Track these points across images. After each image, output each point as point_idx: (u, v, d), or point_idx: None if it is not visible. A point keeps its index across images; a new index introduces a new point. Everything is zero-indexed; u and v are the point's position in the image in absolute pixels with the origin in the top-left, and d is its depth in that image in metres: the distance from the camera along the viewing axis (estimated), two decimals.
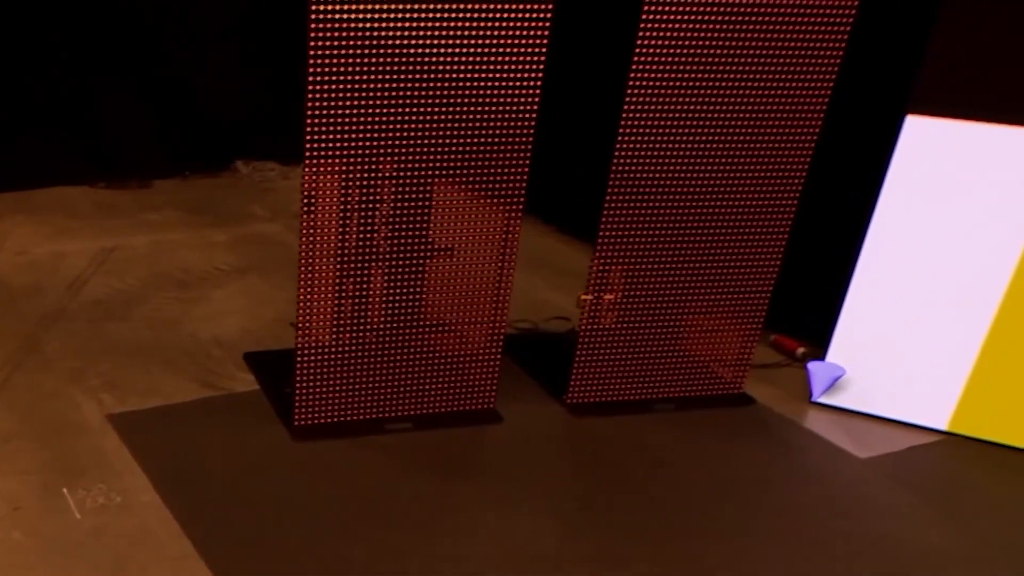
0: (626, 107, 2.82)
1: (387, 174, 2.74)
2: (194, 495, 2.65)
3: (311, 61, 2.52)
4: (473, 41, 2.62)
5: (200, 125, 5.26)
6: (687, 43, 2.78)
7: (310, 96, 2.56)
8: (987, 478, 3.08)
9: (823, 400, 3.35)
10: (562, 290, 3.98)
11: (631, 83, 2.80)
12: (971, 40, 2.88)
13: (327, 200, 2.73)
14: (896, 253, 3.15)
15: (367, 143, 2.66)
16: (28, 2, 4.68)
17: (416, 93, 2.64)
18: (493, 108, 2.71)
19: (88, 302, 3.74)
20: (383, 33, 2.55)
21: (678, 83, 2.83)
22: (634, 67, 2.78)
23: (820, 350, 3.37)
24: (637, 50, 2.76)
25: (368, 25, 2.53)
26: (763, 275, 3.18)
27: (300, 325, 2.83)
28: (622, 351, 3.19)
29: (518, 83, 2.69)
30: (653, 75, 2.80)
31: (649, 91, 2.82)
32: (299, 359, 2.87)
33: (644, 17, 2.72)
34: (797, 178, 3.04)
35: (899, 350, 3.24)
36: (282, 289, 3.77)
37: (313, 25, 2.48)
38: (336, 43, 2.52)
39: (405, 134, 2.69)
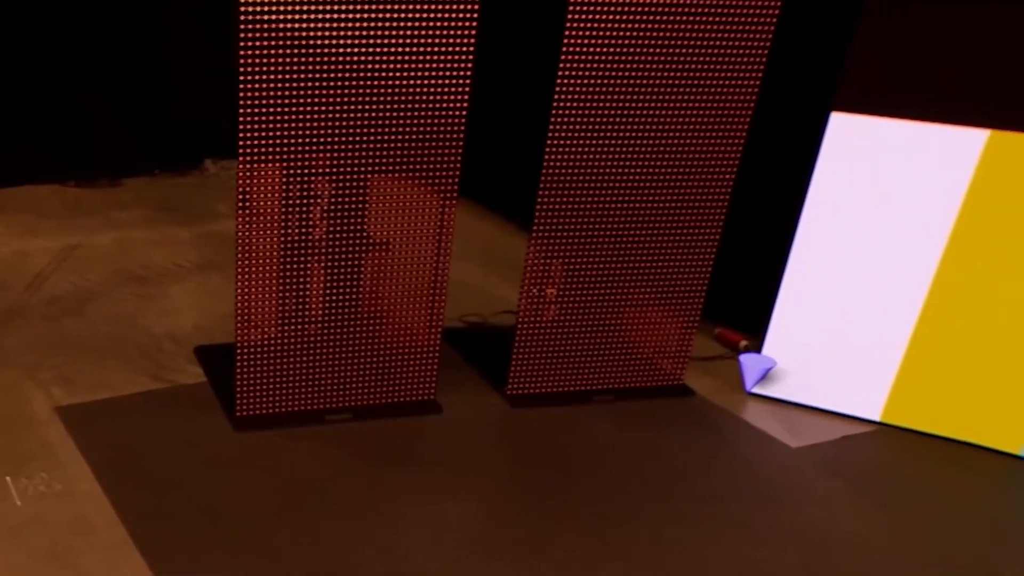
0: (555, 104, 2.89)
1: (322, 170, 2.81)
2: (133, 484, 2.72)
3: (241, 59, 2.59)
4: (402, 36, 2.68)
5: (170, 124, 5.33)
6: (614, 41, 2.86)
7: (242, 94, 2.63)
8: (916, 467, 3.15)
9: (762, 392, 3.42)
10: (517, 285, 4.04)
11: (559, 81, 2.87)
12: (892, 39, 2.95)
13: (262, 196, 2.80)
14: (826, 247, 3.22)
15: (300, 139, 2.73)
16: None
17: (347, 88, 2.71)
18: (423, 103, 2.78)
19: (47, 299, 3.82)
20: (311, 30, 2.62)
21: (606, 80, 2.90)
22: (562, 66, 2.85)
23: (761, 343, 3.44)
24: (564, 48, 2.83)
25: (296, 22, 2.60)
26: (698, 268, 3.25)
27: (238, 319, 2.90)
28: (561, 343, 3.27)
29: (447, 77, 2.76)
30: (581, 74, 2.87)
31: (578, 89, 2.89)
32: (238, 352, 2.94)
33: (570, 16, 2.79)
34: (728, 172, 3.11)
35: (832, 342, 3.31)
36: None
37: (242, 24, 2.55)
38: (265, 41, 2.59)
39: (338, 130, 2.76)
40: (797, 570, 2.59)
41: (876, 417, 3.35)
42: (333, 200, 2.86)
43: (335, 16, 2.62)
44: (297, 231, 2.88)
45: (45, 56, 4.96)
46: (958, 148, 2.97)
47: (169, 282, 4.03)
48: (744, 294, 3.61)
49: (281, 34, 2.60)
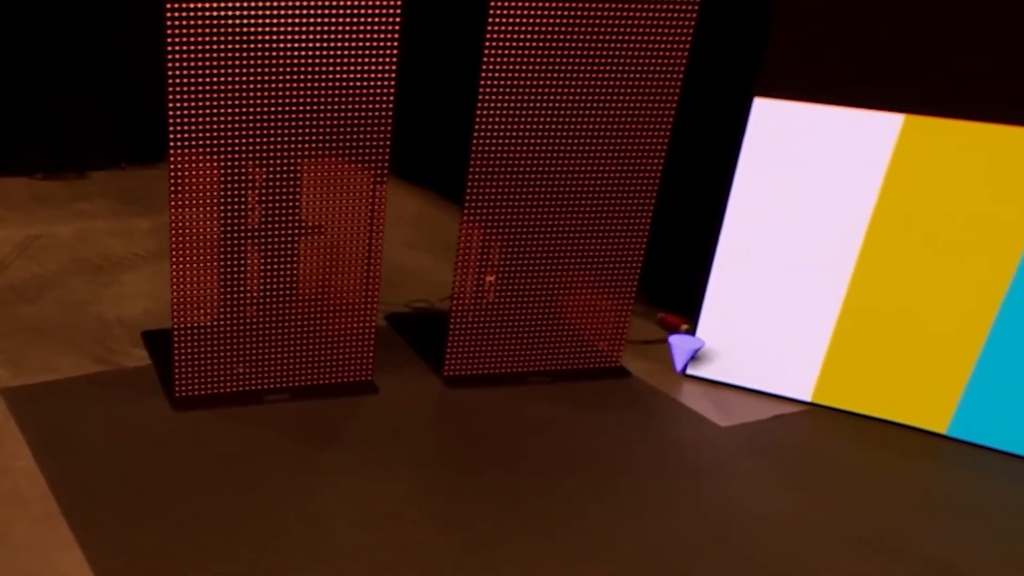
0: (481, 92, 2.96)
1: (254, 156, 2.88)
2: (68, 460, 2.80)
3: (168, 48, 2.67)
4: (328, 20, 2.76)
5: (137, 118, 5.41)
6: (539, 29, 2.93)
7: (170, 82, 2.71)
8: (841, 446, 3.22)
9: (698, 373, 3.50)
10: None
11: (484, 68, 2.94)
12: (811, 25, 3.01)
13: (195, 183, 2.87)
14: (754, 230, 3.29)
15: (231, 126, 2.81)
16: None
17: (275, 74, 2.78)
18: (350, 88, 2.86)
19: (5, 286, 3.90)
20: (238, 17, 2.69)
21: (532, 70, 2.98)
22: (486, 53, 2.92)
23: (695, 326, 3.51)
24: (488, 34, 2.90)
25: (223, 10, 2.67)
26: (631, 251, 3.32)
27: (174, 303, 2.98)
28: (497, 326, 3.34)
29: (373, 60, 2.83)
30: (506, 63, 2.95)
31: (503, 78, 2.96)
32: (175, 334, 3.02)
33: (494, 2, 2.86)
34: (657, 156, 3.18)
35: (764, 324, 3.38)
36: None
37: (169, 13, 2.63)
38: (192, 29, 2.67)
39: (268, 115, 2.83)
40: (710, 543, 2.66)
41: (807, 398, 3.42)
42: (267, 186, 2.94)
43: (262, 2, 2.69)
44: (232, 216, 2.95)
45: (13, 52, 5.04)
46: (875, 132, 3.04)
47: (124, 271, 4.11)
48: (682, 278, 3.68)
49: (208, 22, 2.67)
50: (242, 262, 3.02)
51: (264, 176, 2.94)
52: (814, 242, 3.22)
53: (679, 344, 3.38)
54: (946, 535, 2.76)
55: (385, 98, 2.89)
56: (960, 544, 2.72)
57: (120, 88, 5.34)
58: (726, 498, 2.89)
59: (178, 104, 2.74)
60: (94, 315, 3.70)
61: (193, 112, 2.76)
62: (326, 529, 2.58)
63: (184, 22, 2.65)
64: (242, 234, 2.98)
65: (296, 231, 3.02)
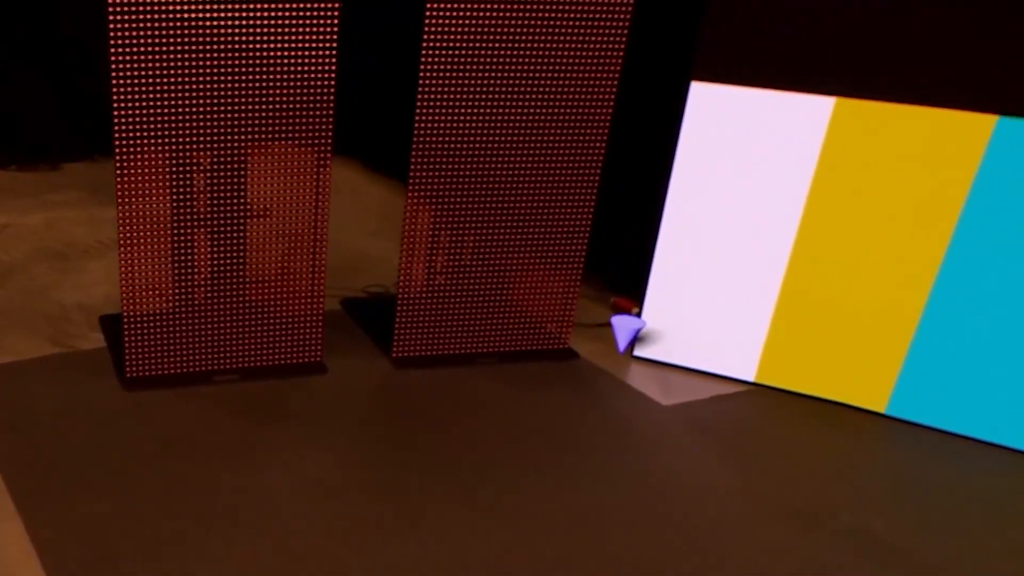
0: (422, 74, 3.03)
1: (199, 143, 2.95)
2: (16, 436, 2.87)
3: (111, 35, 2.74)
4: (267, 6, 2.83)
5: (110, 109, 5.47)
6: (479, 15, 3.00)
7: (113, 71, 2.78)
8: (779, 424, 3.29)
9: (645, 355, 3.56)
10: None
11: (424, 53, 3.01)
12: (745, 9, 3.08)
13: (142, 170, 2.94)
14: (695, 213, 3.35)
15: (175, 113, 2.88)
16: None
17: (217, 62, 2.85)
18: (292, 74, 2.92)
19: None
20: (179, 4, 2.76)
21: (473, 55, 3.04)
22: (425, 40, 2.99)
23: (641, 308, 3.58)
24: (427, 20, 2.97)
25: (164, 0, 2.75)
26: (576, 235, 3.39)
27: (123, 286, 3.05)
28: (445, 308, 3.41)
29: (313, 47, 2.90)
30: (445, 49, 3.02)
31: (444, 61, 3.03)
32: (125, 316, 3.09)
33: None
34: (599, 140, 3.25)
35: (707, 305, 3.45)
36: None
37: (110, 5, 2.70)
38: (134, 18, 2.74)
39: (212, 103, 2.90)
40: (640, 513, 2.73)
41: (751, 378, 3.48)
42: (214, 171, 3.01)
43: None
44: (180, 201, 3.02)
45: None
46: (808, 115, 3.11)
47: (89, 258, 4.18)
48: (632, 262, 3.74)
49: (150, 10, 2.74)
50: (191, 246, 3.09)
51: (210, 161, 3.01)
52: (753, 224, 3.29)
53: (621, 325, 3.45)
54: (872, 507, 2.83)
55: (326, 82, 2.96)
56: (885, 515, 2.79)
57: (92, 79, 5.41)
58: (661, 471, 2.95)
59: (122, 92, 2.81)
60: (54, 300, 3.77)
61: (137, 100, 2.83)
62: (260, 497, 2.65)
63: (125, 11, 2.72)
64: (190, 219, 3.05)
65: (243, 215, 3.09)
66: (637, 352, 3.58)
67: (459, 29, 3.00)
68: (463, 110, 3.12)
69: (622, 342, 3.47)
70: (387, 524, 2.59)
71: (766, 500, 2.84)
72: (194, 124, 2.92)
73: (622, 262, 3.90)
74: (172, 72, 2.83)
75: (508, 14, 3.02)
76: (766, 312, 3.38)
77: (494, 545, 2.54)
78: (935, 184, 3.04)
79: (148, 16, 2.75)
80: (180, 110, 2.88)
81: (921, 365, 3.23)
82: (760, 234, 3.29)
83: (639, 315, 3.73)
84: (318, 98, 2.97)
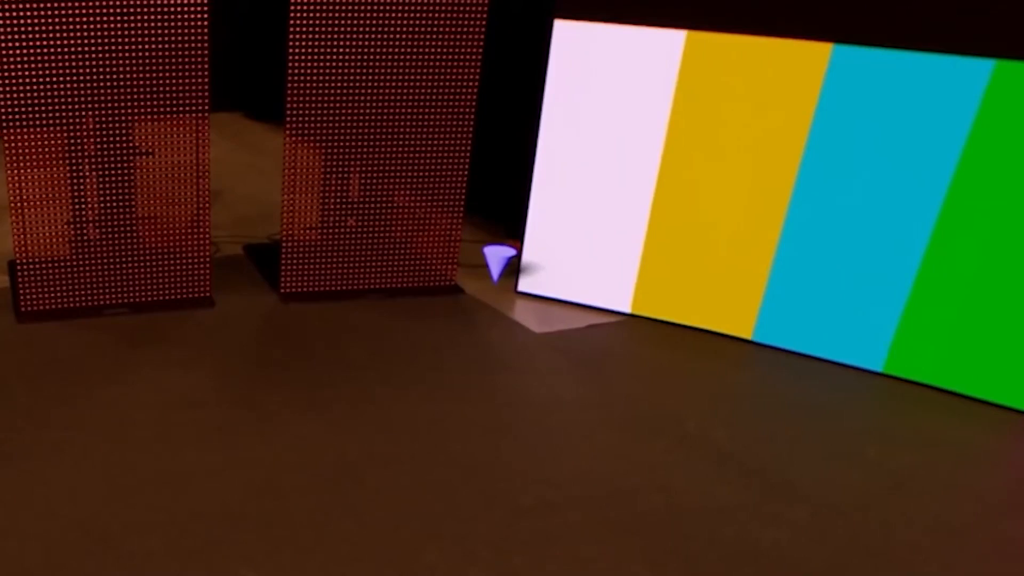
0: (292, 19, 3.19)
1: (83, 86, 3.12)
2: None
3: None
4: None
5: None
6: None
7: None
8: (646, 350, 3.42)
9: (528, 290, 3.71)
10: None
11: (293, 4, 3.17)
12: None
13: (27, 111, 3.11)
14: (565, 149, 3.49)
15: (56, 60, 3.04)
16: None
17: (104, 16, 3.01)
18: (168, 30, 3.08)
19: None
20: None
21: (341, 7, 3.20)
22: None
23: (522, 245, 3.72)
24: None
25: None
26: (455, 175, 3.54)
27: (14, 225, 3.21)
28: (333, 245, 3.56)
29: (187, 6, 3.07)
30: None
31: (314, 9, 3.19)
32: (16, 253, 3.26)
33: None
34: (471, 79, 3.39)
35: (583, 240, 3.59)
36: None
37: None
38: None
39: (97, 56, 3.06)
40: (491, 424, 2.87)
41: (627, 309, 3.62)
42: (102, 114, 3.17)
43: None
44: (67, 141, 3.19)
45: None
46: (663, 49, 3.24)
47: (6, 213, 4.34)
48: (516, 201, 3.89)
49: None
50: (81, 185, 3.26)
51: (96, 105, 3.17)
52: (620, 158, 3.43)
53: (493, 253, 3.59)
54: (717, 419, 2.97)
55: (200, 36, 3.11)
56: (729, 427, 2.92)
57: None
58: (519, 389, 3.10)
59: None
60: None
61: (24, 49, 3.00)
62: (126, 410, 2.80)
63: None
64: (79, 158, 3.21)
65: (128, 156, 3.25)
66: (520, 287, 3.73)
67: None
68: (334, 52, 3.27)
69: (495, 270, 3.61)
70: (237, 430, 2.74)
71: (611, 411, 2.98)
72: (83, 80, 3.07)
73: (506, 202, 4.03)
74: (65, 27, 2.99)
75: None
76: (637, 245, 3.52)
77: (337, 446, 2.68)
78: (782, 112, 3.18)
79: None
80: (72, 64, 3.04)
81: (781, 292, 3.36)
82: (626, 168, 3.43)
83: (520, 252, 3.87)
84: (192, 49, 3.13)
